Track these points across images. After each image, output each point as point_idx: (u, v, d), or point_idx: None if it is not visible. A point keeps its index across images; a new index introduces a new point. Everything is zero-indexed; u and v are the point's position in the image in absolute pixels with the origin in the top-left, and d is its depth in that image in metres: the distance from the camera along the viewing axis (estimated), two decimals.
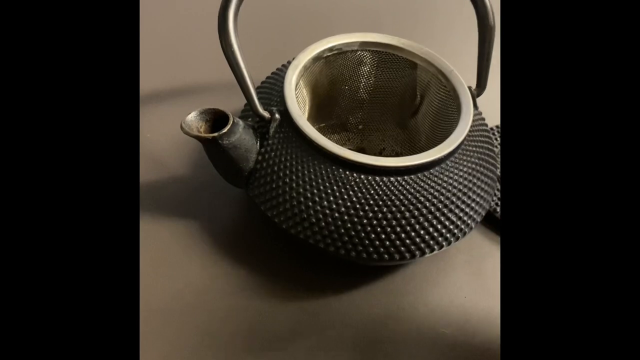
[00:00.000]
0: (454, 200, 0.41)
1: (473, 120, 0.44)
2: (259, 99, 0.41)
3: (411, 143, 0.54)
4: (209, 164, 0.43)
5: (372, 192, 0.39)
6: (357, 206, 0.39)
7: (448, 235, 0.41)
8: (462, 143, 0.43)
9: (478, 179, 0.43)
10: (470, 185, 0.43)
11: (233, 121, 0.39)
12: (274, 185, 0.41)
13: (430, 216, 0.40)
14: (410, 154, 0.41)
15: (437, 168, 0.41)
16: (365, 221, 0.39)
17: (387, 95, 0.55)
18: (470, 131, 0.43)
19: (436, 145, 0.41)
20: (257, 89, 0.47)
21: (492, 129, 0.58)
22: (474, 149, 0.45)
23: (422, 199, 0.40)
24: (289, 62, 0.46)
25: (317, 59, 0.48)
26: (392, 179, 0.40)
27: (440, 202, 0.41)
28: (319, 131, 0.41)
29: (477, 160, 0.44)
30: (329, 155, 0.40)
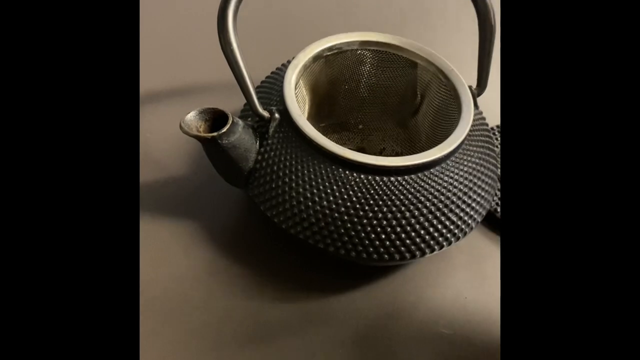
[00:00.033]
0: (455, 200, 0.41)
1: (473, 120, 0.44)
2: (258, 98, 0.41)
3: (411, 143, 0.54)
4: (209, 163, 0.43)
5: (372, 192, 0.39)
6: (357, 206, 0.39)
7: (448, 235, 0.41)
8: (462, 143, 0.43)
9: (478, 178, 0.43)
10: (471, 185, 0.42)
11: (232, 121, 0.39)
12: (273, 185, 0.41)
13: (430, 216, 0.40)
14: (411, 154, 0.41)
15: (437, 168, 0.41)
16: (365, 221, 0.39)
17: (387, 94, 0.54)
18: (470, 131, 0.43)
19: (436, 145, 0.41)
20: (256, 88, 0.47)
21: (492, 128, 0.58)
22: (475, 148, 0.44)
23: (422, 198, 0.40)
24: (289, 62, 0.46)
25: (317, 58, 0.48)
26: (392, 178, 0.40)
27: (441, 202, 0.41)
28: (318, 131, 0.40)
29: (477, 160, 0.44)
30: (328, 155, 0.40)
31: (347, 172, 0.40)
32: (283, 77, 0.44)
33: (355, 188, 0.39)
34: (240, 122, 0.41)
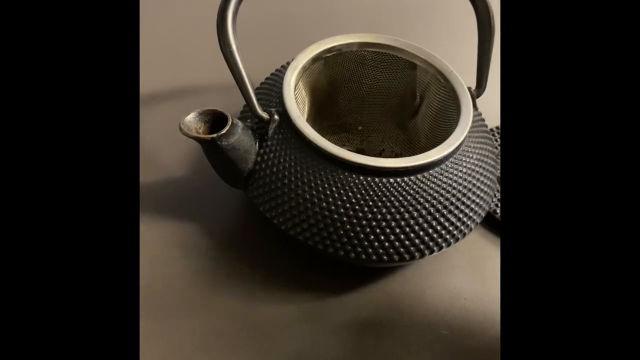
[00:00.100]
0: (454, 201, 0.41)
1: (473, 121, 0.44)
2: (258, 100, 0.41)
3: (411, 144, 0.54)
4: (208, 165, 0.43)
5: (372, 193, 0.39)
6: (357, 207, 0.39)
7: (447, 236, 0.41)
8: (461, 144, 0.43)
9: (478, 180, 0.43)
10: (470, 186, 0.43)
11: (232, 122, 0.39)
12: (273, 187, 0.41)
13: (429, 217, 0.40)
14: (410, 155, 0.41)
15: (436, 169, 0.41)
16: (364, 222, 0.39)
17: (387, 96, 0.55)
18: (469, 132, 0.43)
19: (436, 146, 0.41)
20: (256, 89, 0.47)
21: (492, 130, 0.58)
22: (474, 149, 0.44)
23: (421, 200, 0.40)
24: (288, 63, 0.46)
25: (316, 59, 0.48)
26: (391, 180, 0.40)
27: (440, 203, 0.41)
28: (318, 132, 0.41)
29: (476, 162, 0.44)
30: (328, 157, 0.40)
31: (346, 173, 0.40)
32: (282, 79, 0.44)
33: (355, 189, 0.39)
34: (240, 123, 0.41)
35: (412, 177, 0.40)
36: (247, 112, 0.45)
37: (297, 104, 0.43)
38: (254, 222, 0.49)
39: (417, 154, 0.41)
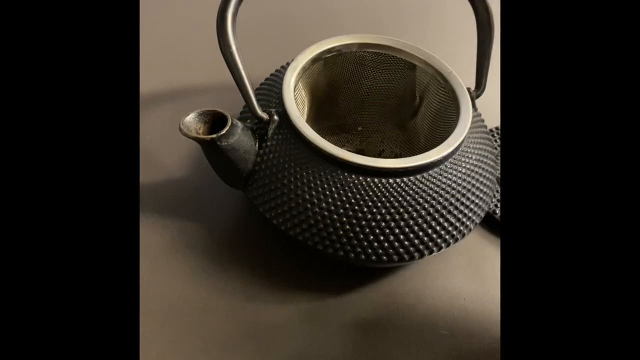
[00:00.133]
0: (453, 201, 0.41)
1: (472, 122, 0.44)
2: (257, 100, 0.41)
3: (410, 144, 0.54)
4: (208, 165, 0.43)
5: (371, 193, 0.39)
6: (356, 207, 0.39)
7: (447, 236, 0.41)
8: (460, 144, 0.43)
9: (477, 180, 0.43)
10: (469, 186, 0.43)
11: (232, 123, 0.39)
12: (272, 187, 0.41)
13: (429, 218, 0.40)
14: (410, 156, 0.41)
15: (435, 169, 0.41)
16: (364, 222, 0.39)
17: (386, 96, 0.55)
18: (469, 132, 0.43)
19: (435, 147, 0.41)
20: (255, 90, 0.47)
21: (491, 130, 0.58)
22: (473, 150, 0.45)
23: (420, 200, 0.40)
24: (288, 64, 0.47)
25: (316, 60, 0.48)
26: (390, 180, 0.40)
27: (439, 203, 0.41)
28: (317, 133, 0.41)
29: (476, 162, 0.44)
30: (327, 157, 0.40)
31: (346, 173, 0.40)
32: (282, 79, 0.44)
33: (354, 190, 0.39)
34: (240, 124, 0.41)
35: (412, 178, 0.40)
36: (247, 113, 0.45)
37: (296, 104, 0.43)
38: (254, 223, 0.49)
39: (416, 154, 0.41)
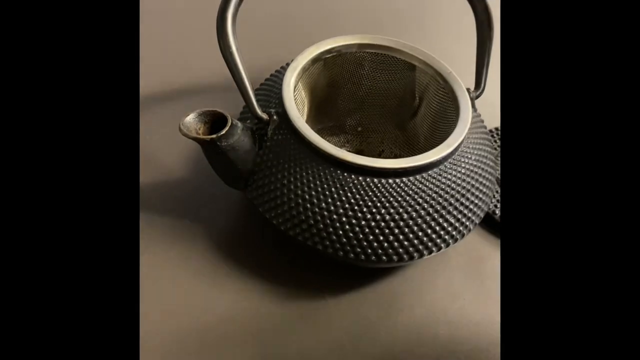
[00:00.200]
0: (453, 202, 0.41)
1: (472, 122, 0.44)
2: (257, 100, 0.41)
3: (410, 145, 0.54)
4: (208, 166, 0.43)
5: (371, 193, 0.39)
6: (356, 208, 0.39)
7: (446, 237, 0.41)
8: (460, 145, 0.43)
9: (477, 180, 0.43)
10: (469, 187, 0.43)
11: (231, 123, 0.39)
12: (272, 187, 0.41)
13: (428, 218, 0.40)
14: (409, 156, 0.41)
15: (435, 170, 0.41)
16: (363, 223, 0.39)
17: (386, 97, 0.55)
18: (468, 133, 0.43)
19: (435, 147, 0.41)
20: (255, 90, 0.47)
21: (491, 130, 0.58)
22: (473, 150, 0.45)
23: (420, 200, 0.40)
24: (288, 64, 0.47)
25: (315, 60, 0.48)
26: (390, 180, 0.40)
27: (439, 203, 0.41)
28: (317, 133, 0.41)
29: (475, 162, 0.44)
30: (327, 157, 0.40)
31: (345, 174, 0.40)
32: (282, 80, 0.44)
33: (354, 190, 0.39)
34: (240, 124, 0.41)
35: (411, 178, 0.40)
36: (247, 113, 0.45)
37: (296, 105, 0.43)
38: (254, 223, 0.49)
39: (416, 154, 0.41)
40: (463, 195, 0.42)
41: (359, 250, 0.40)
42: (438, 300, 0.46)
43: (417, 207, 0.40)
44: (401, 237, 0.40)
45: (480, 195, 0.44)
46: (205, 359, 0.41)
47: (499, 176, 0.50)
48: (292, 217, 0.40)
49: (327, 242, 0.40)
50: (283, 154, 0.41)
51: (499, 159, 0.52)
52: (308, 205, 0.40)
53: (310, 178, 0.40)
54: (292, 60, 0.46)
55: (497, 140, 0.58)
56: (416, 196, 0.40)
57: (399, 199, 0.40)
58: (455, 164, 0.42)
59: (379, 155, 0.56)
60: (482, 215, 0.44)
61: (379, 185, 0.40)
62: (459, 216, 0.42)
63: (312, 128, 0.41)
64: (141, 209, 0.48)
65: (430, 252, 0.41)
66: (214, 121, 0.40)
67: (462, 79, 0.47)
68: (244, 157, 0.41)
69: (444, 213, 0.41)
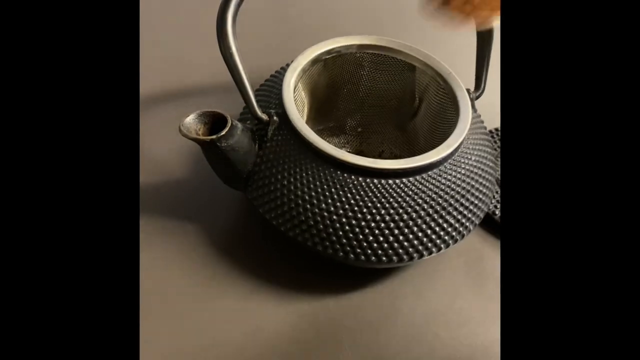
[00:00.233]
0: (452, 202, 0.41)
1: (471, 123, 0.44)
2: (257, 101, 0.41)
3: (410, 145, 0.54)
4: (208, 166, 0.43)
5: (370, 194, 0.39)
6: (355, 208, 0.39)
7: (446, 237, 0.41)
8: (460, 145, 0.43)
9: (476, 181, 0.43)
10: (469, 187, 0.43)
11: (231, 124, 0.39)
12: (272, 188, 0.41)
13: (428, 218, 0.40)
14: (409, 157, 0.41)
15: (435, 170, 0.41)
16: (363, 223, 0.39)
17: (386, 97, 0.55)
18: (468, 133, 0.43)
19: (434, 148, 0.42)
20: (255, 91, 0.47)
21: (491, 131, 0.58)
22: (473, 151, 0.45)
23: (420, 201, 0.40)
24: (288, 65, 0.47)
25: (315, 61, 0.48)
26: (390, 181, 0.40)
27: (439, 204, 0.41)
28: (317, 134, 0.41)
29: (475, 163, 0.44)
30: (327, 158, 0.40)
31: (345, 174, 0.40)
32: (282, 80, 0.44)
33: (354, 190, 0.39)
34: (240, 125, 0.41)
35: (411, 179, 0.40)
36: (247, 114, 0.45)
37: (296, 105, 0.43)
38: (254, 223, 0.49)
39: (416, 155, 0.41)
40: (463, 196, 0.42)
41: (359, 250, 0.40)
42: (438, 301, 0.46)
43: (417, 208, 0.40)
44: (401, 237, 0.40)
45: (480, 196, 0.44)
46: (204, 359, 0.41)
47: (499, 177, 0.50)
48: (292, 218, 0.40)
49: (327, 243, 0.40)
50: (283, 155, 0.41)
51: (499, 159, 0.52)
52: (308, 205, 0.40)
53: (310, 179, 0.40)
54: (292, 61, 0.46)
55: (497, 141, 0.58)
56: (416, 197, 0.40)
57: (399, 199, 0.40)
58: (455, 165, 0.42)
59: (379, 155, 0.56)
60: (482, 215, 0.44)
61: (378, 186, 0.40)
62: (459, 217, 0.42)
63: (312, 129, 0.41)
64: (141, 209, 0.48)
65: (430, 252, 0.41)
66: (214, 122, 0.40)
67: (462, 79, 0.47)
68: (244, 157, 0.41)
69: (443, 214, 0.41)
